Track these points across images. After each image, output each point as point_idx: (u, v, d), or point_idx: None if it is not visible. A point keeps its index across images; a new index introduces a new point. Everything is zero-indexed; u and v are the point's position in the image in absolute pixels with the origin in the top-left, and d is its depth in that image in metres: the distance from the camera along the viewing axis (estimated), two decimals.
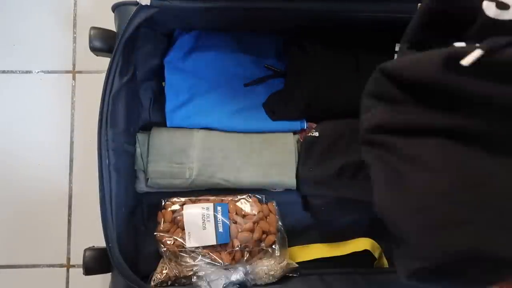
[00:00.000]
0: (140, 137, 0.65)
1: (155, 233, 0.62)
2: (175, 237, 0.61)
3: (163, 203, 0.64)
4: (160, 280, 0.61)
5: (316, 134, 0.66)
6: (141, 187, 0.65)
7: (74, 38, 0.80)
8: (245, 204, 0.63)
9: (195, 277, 0.60)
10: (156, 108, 0.68)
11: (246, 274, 0.61)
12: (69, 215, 0.77)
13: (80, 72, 0.80)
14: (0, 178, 0.78)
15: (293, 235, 0.66)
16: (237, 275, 0.61)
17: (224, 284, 0.59)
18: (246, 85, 0.69)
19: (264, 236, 0.62)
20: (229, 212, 0.62)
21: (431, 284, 0.37)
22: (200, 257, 0.61)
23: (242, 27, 0.68)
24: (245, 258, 0.62)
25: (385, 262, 0.66)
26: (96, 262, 0.57)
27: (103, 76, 0.58)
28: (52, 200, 0.77)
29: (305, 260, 0.65)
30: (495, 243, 0.32)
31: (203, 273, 0.60)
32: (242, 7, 0.59)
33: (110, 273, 0.60)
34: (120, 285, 0.58)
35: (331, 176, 0.63)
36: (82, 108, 0.79)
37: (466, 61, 0.31)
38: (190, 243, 0.61)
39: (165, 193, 0.65)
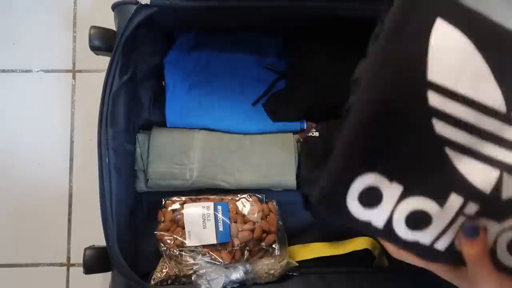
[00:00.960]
0: (140, 137, 0.66)
1: (155, 232, 0.62)
2: (175, 236, 0.62)
3: (163, 202, 0.64)
4: (160, 279, 0.61)
5: (316, 134, 0.67)
6: (141, 187, 0.66)
7: (74, 37, 0.80)
8: (246, 204, 0.63)
9: (195, 276, 0.61)
10: (156, 107, 0.68)
11: (246, 273, 0.61)
12: (69, 214, 0.77)
13: (80, 71, 0.80)
14: (0, 177, 0.78)
15: (293, 234, 0.66)
16: (237, 274, 0.61)
17: (224, 283, 0.59)
18: (254, 104, 0.69)
19: (264, 235, 0.62)
20: (229, 211, 0.62)
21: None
22: (200, 256, 0.62)
23: (242, 26, 0.68)
24: (245, 257, 0.62)
25: (385, 261, 0.66)
26: (96, 261, 0.57)
27: (103, 75, 0.58)
28: (52, 199, 0.77)
29: (305, 259, 0.66)
30: None
31: (204, 271, 0.60)
32: (243, 6, 0.59)
33: (110, 272, 0.60)
34: (120, 284, 0.58)
35: None
36: (82, 107, 0.79)
37: None
38: (190, 242, 0.61)
39: (165, 192, 0.65)
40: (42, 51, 0.80)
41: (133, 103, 0.65)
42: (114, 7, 0.61)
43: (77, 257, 0.76)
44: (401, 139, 0.32)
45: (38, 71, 0.80)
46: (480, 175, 0.32)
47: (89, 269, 0.57)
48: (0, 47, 0.80)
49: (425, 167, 0.32)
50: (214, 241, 0.61)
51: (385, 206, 0.34)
